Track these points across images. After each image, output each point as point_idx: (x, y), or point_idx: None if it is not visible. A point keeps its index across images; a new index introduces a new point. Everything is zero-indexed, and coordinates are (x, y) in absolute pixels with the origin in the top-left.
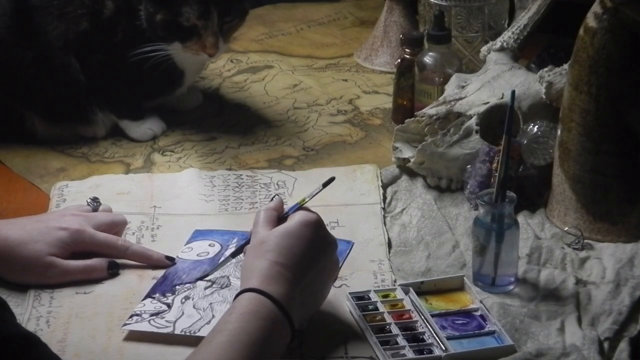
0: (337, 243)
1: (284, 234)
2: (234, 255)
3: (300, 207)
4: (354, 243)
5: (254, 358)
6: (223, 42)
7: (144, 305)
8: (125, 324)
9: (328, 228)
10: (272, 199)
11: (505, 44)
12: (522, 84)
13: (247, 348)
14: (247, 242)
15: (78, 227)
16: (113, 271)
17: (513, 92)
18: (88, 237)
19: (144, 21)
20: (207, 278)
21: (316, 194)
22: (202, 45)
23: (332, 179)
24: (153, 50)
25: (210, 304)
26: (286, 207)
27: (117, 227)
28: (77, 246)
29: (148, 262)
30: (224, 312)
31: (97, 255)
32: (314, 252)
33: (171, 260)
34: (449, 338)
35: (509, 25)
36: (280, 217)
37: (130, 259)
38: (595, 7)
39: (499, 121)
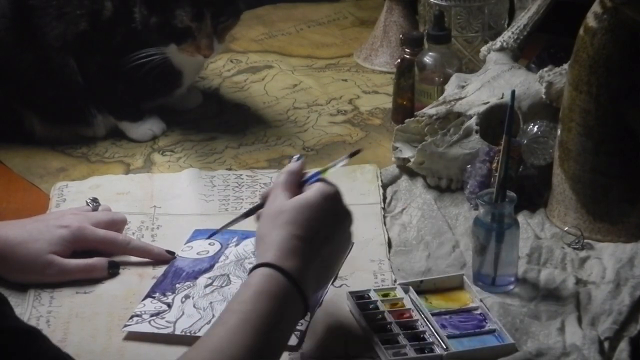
0: (352, 217)
1: (303, 206)
2: (246, 215)
3: (320, 177)
4: (354, 243)
5: (266, 338)
6: (218, 42)
7: (144, 305)
8: (125, 325)
9: None
10: (297, 159)
11: (505, 43)
12: (522, 84)
13: (260, 330)
14: (261, 206)
15: (78, 224)
16: (113, 270)
17: (513, 92)
18: (89, 233)
19: (138, 24)
20: (209, 276)
21: (341, 165)
22: (196, 47)
23: (358, 151)
24: (150, 54)
25: (210, 303)
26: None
27: (116, 225)
28: (78, 243)
29: (149, 256)
30: (240, 287)
31: (97, 254)
32: (332, 226)
33: (172, 255)
34: (449, 337)
35: (508, 25)
36: (300, 182)
37: (131, 254)
38: (595, 7)
39: (499, 121)
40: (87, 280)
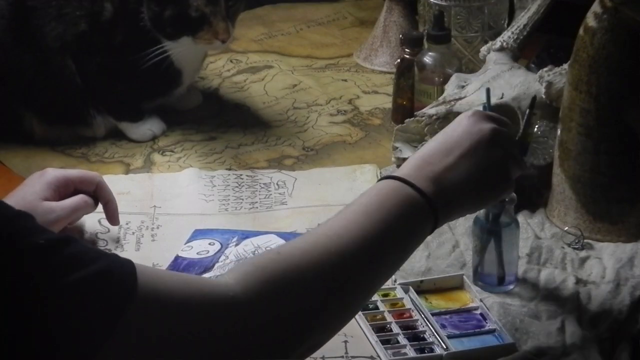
0: (505, 138)
1: (445, 128)
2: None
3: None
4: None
5: (381, 238)
6: (232, 26)
7: None
8: None
9: None
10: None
11: (505, 43)
12: (522, 84)
13: (378, 219)
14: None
15: (53, 169)
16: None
17: (488, 91)
18: (64, 171)
19: (147, 22)
20: (209, 276)
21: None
22: (214, 33)
23: (534, 98)
24: (158, 53)
25: None
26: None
27: (89, 181)
28: (60, 184)
29: (106, 203)
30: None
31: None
32: (468, 143)
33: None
34: (449, 337)
35: (508, 25)
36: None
37: (100, 190)
38: (595, 7)
39: None
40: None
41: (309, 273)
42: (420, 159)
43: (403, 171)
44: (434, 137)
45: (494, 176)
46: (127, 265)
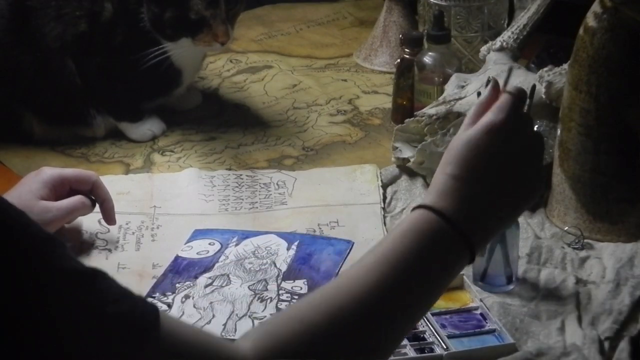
0: (536, 150)
1: (464, 142)
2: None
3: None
4: (354, 243)
5: (407, 278)
6: (231, 29)
7: None
8: None
9: (328, 228)
10: (488, 84)
11: (504, 43)
12: (522, 83)
13: (398, 268)
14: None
15: (49, 168)
16: (92, 204)
17: (479, 94)
18: (60, 170)
19: (147, 23)
20: (209, 275)
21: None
22: (213, 35)
23: (534, 87)
24: (157, 53)
25: (211, 303)
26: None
27: (86, 180)
28: (56, 183)
29: (102, 202)
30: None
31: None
32: (498, 163)
33: (110, 223)
34: (449, 336)
35: (508, 25)
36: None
37: (97, 189)
38: (595, 7)
39: None
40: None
41: (335, 346)
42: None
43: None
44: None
45: (521, 174)
46: (150, 312)
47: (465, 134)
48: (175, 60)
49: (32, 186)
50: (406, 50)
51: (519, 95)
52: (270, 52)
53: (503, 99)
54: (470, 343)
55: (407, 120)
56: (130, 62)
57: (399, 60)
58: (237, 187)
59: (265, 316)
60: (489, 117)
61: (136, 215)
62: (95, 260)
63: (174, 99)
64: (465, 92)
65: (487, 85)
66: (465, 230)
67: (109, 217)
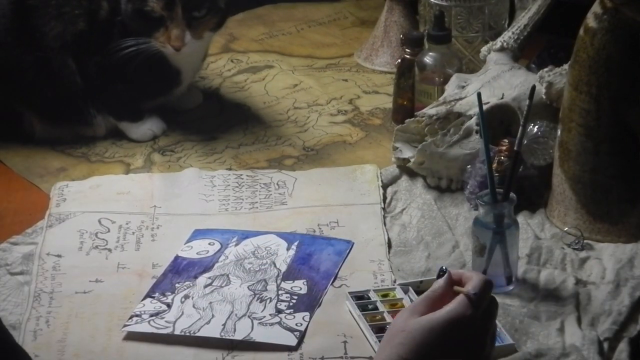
0: (489, 348)
1: (425, 329)
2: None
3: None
4: (354, 243)
5: None
6: (192, 37)
7: (144, 305)
8: (125, 325)
9: (328, 228)
10: (442, 273)
11: (505, 44)
12: (522, 84)
13: None
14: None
15: None
16: None
17: (479, 95)
18: None
19: (123, 15)
20: (208, 275)
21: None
22: (167, 37)
23: (533, 87)
24: (132, 44)
25: (210, 303)
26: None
27: None
28: None
29: None
30: None
31: None
32: (455, 355)
33: None
34: None
35: (509, 25)
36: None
37: None
38: (595, 7)
39: (499, 121)
40: (87, 280)
41: None
42: None
43: None
44: None
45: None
46: None
47: (426, 320)
48: (172, 60)
49: None
50: (407, 50)
51: (487, 290)
52: (271, 52)
53: (472, 292)
54: None
55: (407, 120)
56: (125, 60)
57: (399, 60)
58: (237, 187)
59: (264, 316)
60: (456, 309)
61: (136, 215)
62: (95, 260)
63: (175, 99)
64: (466, 92)
65: (438, 276)
66: None
67: None
